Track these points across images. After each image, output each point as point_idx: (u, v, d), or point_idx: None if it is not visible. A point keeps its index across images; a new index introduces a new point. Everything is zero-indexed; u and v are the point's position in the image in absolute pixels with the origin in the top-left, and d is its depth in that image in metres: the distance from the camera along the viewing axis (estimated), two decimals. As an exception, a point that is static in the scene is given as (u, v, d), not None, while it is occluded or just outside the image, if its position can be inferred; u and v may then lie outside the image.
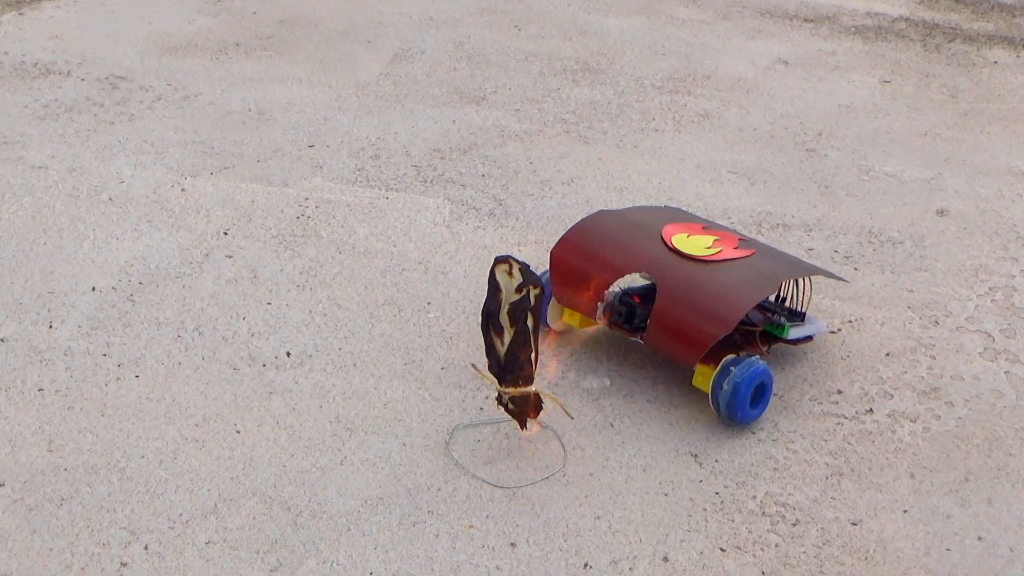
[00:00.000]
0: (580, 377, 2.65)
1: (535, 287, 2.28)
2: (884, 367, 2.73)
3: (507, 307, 2.28)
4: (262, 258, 3.05)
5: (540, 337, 2.38)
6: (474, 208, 3.34)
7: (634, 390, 2.61)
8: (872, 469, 2.42)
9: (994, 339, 2.84)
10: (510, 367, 2.31)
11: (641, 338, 2.60)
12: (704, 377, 2.53)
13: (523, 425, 2.39)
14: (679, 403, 2.57)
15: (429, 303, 2.90)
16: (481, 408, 2.53)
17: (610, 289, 2.67)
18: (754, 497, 2.33)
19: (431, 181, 3.49)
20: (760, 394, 2.51)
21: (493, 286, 2.30)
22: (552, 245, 2.77)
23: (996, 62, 4.65)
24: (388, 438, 2.43)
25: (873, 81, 4.42)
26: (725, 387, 2.46)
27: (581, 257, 2.70)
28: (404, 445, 2.42)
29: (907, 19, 5.14)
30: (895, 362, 2.75)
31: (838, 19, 5.11)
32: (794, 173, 3.64)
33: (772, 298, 2.75)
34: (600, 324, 2.68)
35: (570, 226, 2.81)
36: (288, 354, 2.68)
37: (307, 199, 3.34)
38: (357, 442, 2.42)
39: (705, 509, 2.30)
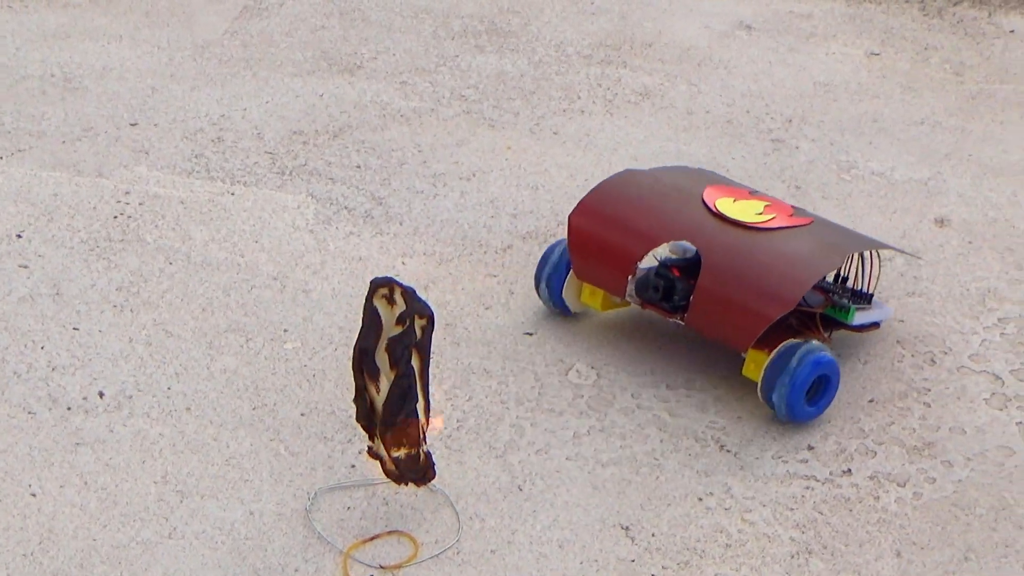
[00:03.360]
0: (481, 427, 2.69)
1: (421, 317, 2.32)
2: (866, 417, 2.81)
3: (385, 343, 2.32)
4: (67, 269, 3.05)
5: (432, 376, 2.42)
6: (346, 208, 3.38)
7: (550, 443, 2.66)
8: (849, 545, 2.49)
9: (1004, 382, 2.94)
10: (391, 419, 2.35)
11: (681, 319, 2.75)
12: (756, 364, 2.68)
13: (401, 482, 2.42)
14: (607, 460, 2.63)
15: (286, 330, 2.92)
16: (352, 465, 2.56)
17: (641, 262, 2.81)
18: (700, 581, 2.40)
19: (290, 173, 3.51)
20: (822, 389, 2.68)
21: (369, 316, 2.34)
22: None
23: (1012, 31, 4.78)
24: (231, 504, 2.45)
25: (858, 53, 4.52)
26: (781, 377, 2.62)
27: (606, 224, 2.84)
28: (251, 513, 2.44)
29: (902, -25, 5.27)
30: (880, 410, 2.83)
31: (815, -27, 5.23)
32: (757, 169, 3.72)
33: (830, 278, 2.91)
34: (631, 303, 2.83)
35: (590, 189, 2.95)
36: (101, 394, 2.69)
37: (128, 193, 3.35)
38: (190, 509, 2.43)
39: (638, 596, 2.36)
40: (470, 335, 2.96)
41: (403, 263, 3.17)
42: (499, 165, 3.64)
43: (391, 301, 2.32)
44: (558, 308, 2.98)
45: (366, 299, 2.32)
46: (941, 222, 3.52)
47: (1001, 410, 2.85)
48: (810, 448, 2.71)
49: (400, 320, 2.31)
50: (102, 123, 3.68)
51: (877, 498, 2.59)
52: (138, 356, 2.81)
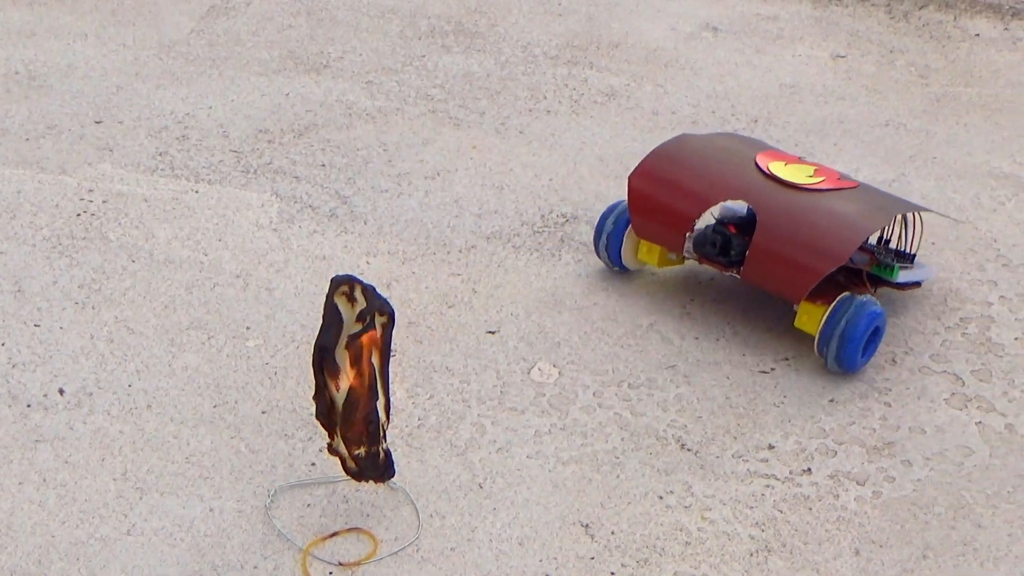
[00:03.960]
0: (443, 425, 2.70)
1: (382, 314, 2.33)
2: (827, 416, 2.82)
3: (345, 341, 2.32)
4: (29, 266, 3.04)
5: (393, 374, 2.42)
6: (310, 207, 3.38)
7: (511, 441, 2.67)
8: (808, 544, 2.50)
9: (964, 382, 2.96)
10: (349, 418, 2.34)
11: (737, 272, 2.94)
12: (810, 317, 2.86)
13: (360, 479, 2.43)
14: (568, 458, 2.64)
15: (248, 328, 2.92)
16: (313, 463, 2.56)
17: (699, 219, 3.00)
18: (659, 578, 2.40)
19: (255, 171, 3.51)
20: (871, 340, 2.86)
21: (329, 313, 2.34)
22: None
23: (978, 35, 4.81)
24: (190, 501, 2.45)
25: (824, 56, 4.55)
26: (840, 327, 2.79)
27: (664, 185, 3.04)
28: (211, 510, 2.44)
29: (869, -22, 5.29)
30: (840, 410, 2.85)
31: (783, -24, 5.25)
32: (721, 170, 3.73)
33: (874, 240, 3.09)
34: (687, 260, 3.06)
35: (647, 153, 3.14)
36: (61, 391, 2.69)
37: (91, 191, 3.35)
38: (149, 506, 2.43)
39: (597, 593, 2.36)
40: (433, 333, 2.96)
41: (367, 262, 3.17)
42: (464, 164, 3.65)
43: (351, 299, 2.32)
44: (616, 266, 3.17)
45: (327, 296, 2.32)
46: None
47: (961, 410, 2.87)
48: (771, 447, 2.72)
49: (360, 318, 2.32)
50: (66, 121, 3.68)
51: (837, 497, 2.60)
52: (99, 353, 2.80)
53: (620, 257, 3.12)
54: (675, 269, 3.22)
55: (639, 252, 3.11)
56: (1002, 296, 3.24)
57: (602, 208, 3.47)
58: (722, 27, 4.70)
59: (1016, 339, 3.08)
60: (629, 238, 3.10)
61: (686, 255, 3.02)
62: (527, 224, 3.37)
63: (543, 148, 3.77)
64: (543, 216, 3.41)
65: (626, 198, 3.08)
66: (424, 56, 4.25)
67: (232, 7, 4.45)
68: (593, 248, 3.19)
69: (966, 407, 2.88)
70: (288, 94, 3.93)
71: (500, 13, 4.62)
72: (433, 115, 3.89)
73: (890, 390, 2.91)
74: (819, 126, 4.02)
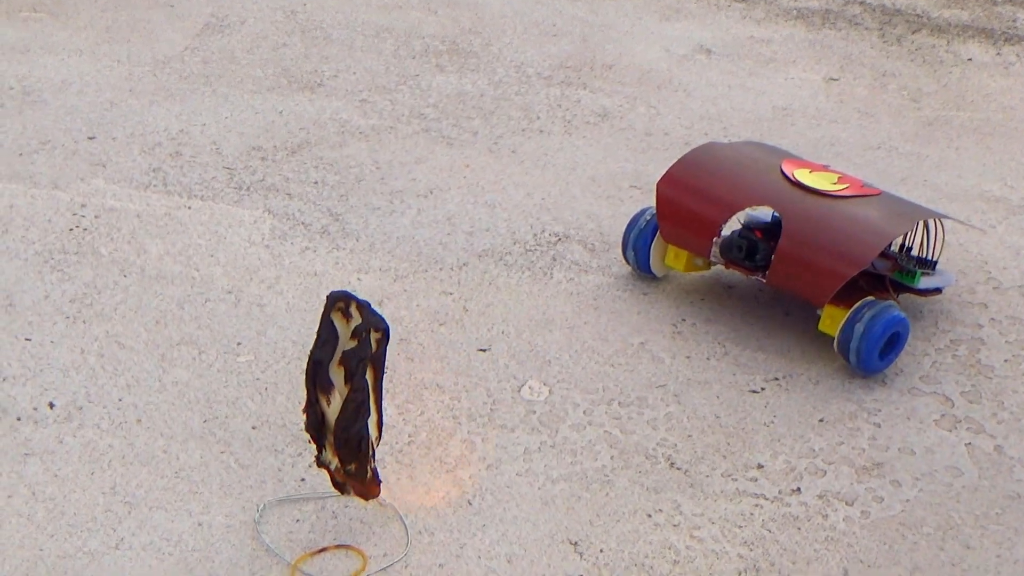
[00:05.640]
0: (433, 442, 2.70)
1: (376, 331, 2.33)
2: (816, 436, 2.83)
3: (340, 356, 2.32)
4: (21, 280, 3.04)
5: (385, 391, 2.42)
6: (302, 224, 3.38)
7: (501, 458, 2.67)
8: (796, 563, 2.50)
9: (954, 404, 2.96)
10: (343, 434, 2.34)
11: (763, 277, 3.01)
12: (833, 320, 2.93)
13: (345, 493, 2.43)
14: (558, 476, 2.64)
15: (239, 344, 2.92)
16: (302, 479, 2.56)
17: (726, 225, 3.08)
18: (648, 596, 2.40)
19: (248, 188, 3.52)
20: (892, 344, 2.92)
21: (325, 329, 2.34)
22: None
23: (970, 59, 4.83)
24: (179, 515, 2.45)
25: (817, 79, 4.56)
26: (858, 329, 2.86)
27: (691, 192, 3.12)
28: (200, 525, 2.44)
29: (861, 2, 5.31)
30: (830, 430, 2.85)
31: (776, -1, 5.27)
32: (713, 191, 3.74)
33: (896, 247, 3.16)
34: (714, 265, 3.13)
35: (674, 161, 3.22)
36: (51, 405, 2.69)
37: (84, 206, 3.35)
38: (138, 520, 2.43)
39: (585, 611, 2.36)
40: (424, 351, 2.96)
41: (358, 279, 3.17)
42: (457, 183, 3.65)
43: (347, 315, 2.32)
44: (643, 271, 3.24)
45: (323, 312, 2.32)
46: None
47: (950, 431, 2.87)
48: (760, 467, 2.72)
49: (355, 334, 2.32)
50: (60, 136, 3.68)
51: (825, 517, 2.61)
52: (89, 367, 2.80)
53: (648, 263, 3.20)
54: (666, 287, 3.23)
55: (666, 257, 3.19)
56: (992, 318, 3.24)
57: (595, 227, 3.48)
58: (716, 50, 4.71)
59: (1006, 361, 3.08)
60: (657, 244, 3.18)
61: (713, 260, 3.09)
62: (519, 243, 3.38)
63: (536, 167, 3.78)
64: (535, 235, 3.42)
65: (653, 204, 3.18)
66: (418, 75, 4.26)
67: (227, 25, 4.46)
68: (620, 256, 3.28)
69: (955, 428, 2.88)
70: (282, 112, 3.93)
71: (494, 33, 4.63)
72: (426, 134, 3.89)
73: (880, 411, 2.91)
74: (811, 148, 4.03)
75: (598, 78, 4.37)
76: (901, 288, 3.11)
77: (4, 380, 2.74)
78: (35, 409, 2.67)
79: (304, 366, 2.39)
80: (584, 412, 2.81)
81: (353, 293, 2.34)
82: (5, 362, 2.79)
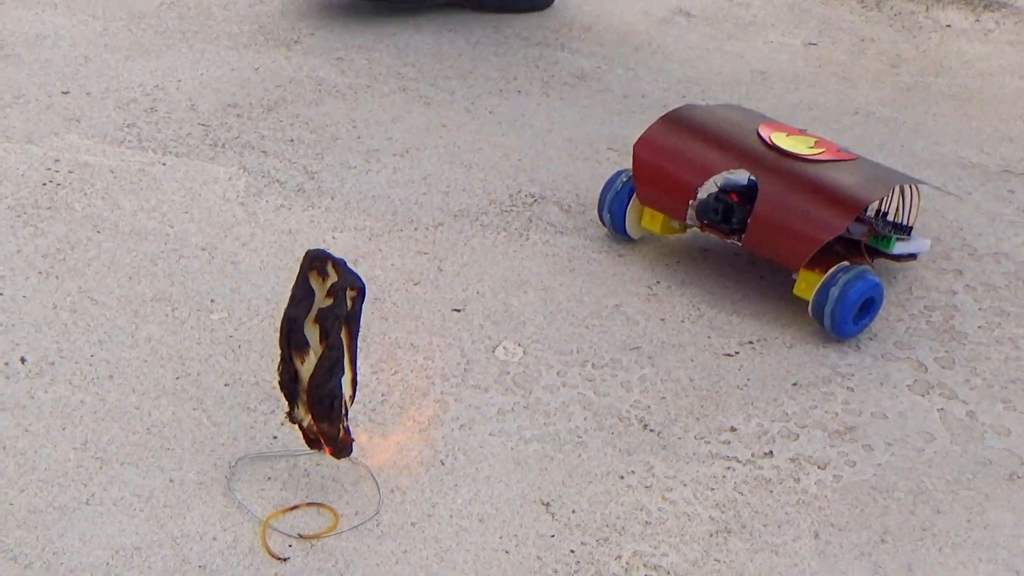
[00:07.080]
0: (406, 402, 2.70)
1: (352, 289, 2.33)
2: (789, 400, 2.84)
3: (315, 314, 2.32)
4: (-7, 235, 3.04)
5: (359, 350, 2.42)
6: (277, 181, 3.37)
7: (474, 418, 2.67)
8: (768, 526, 2.51)
9: (927, 369, 2.97)
10: (317, 392, 2.34)
11: (738, 240, 3.00)
12: (808, 284, 2.93)
13: (317, 448, 2.43)
14: (531, 436, 2.64)
15: (213, 301, 2.92)
16: (275, 437, 2.56)
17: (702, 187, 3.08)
18: (618, 558, 2.40)
19: (223, 145, 3.51)
20: (867, 309, 2.94)
21: (300, 286, 2.33)
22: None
23: (949, 26, 4.83)
24: (151, 471, 2.45)
25: (796, 43, 4.56)
26: (832, 293, 2.87)
27: (667, 154, 3.11)
28: (171, 481, 2.44)
29: (842, -33, 5.32)
30: (803, 394, 2.86)
31: (756, -37, 5.26)
32: (690, 154, 3.74)
33: (872, 213, 3.16)
34: (690, 228, 3.11)
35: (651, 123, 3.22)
36: (23, 360, 2.68)
37: (57, 161, 3.33)
38: (109, 476, 2.43)
39: (556, 571, 2.36)
40: (398, 310, 2.96)
41: (333, 237, 3.16)
42: (433, 143, 3.64)
43: (323, 273, 2.32)
44: (619, 233, 3.23)
45: (300, 270, 2.32)
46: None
47: (923, 396, 2.88)
48: (733, 429, 2.73)
49: (330, 292, 2.31)
50: (33, 91, 3.66)
51: (797, 480, 2.62)
52: (62, 323, 2.79)
53: (624, 225, 3.19)
54: (641, 250, 3.23)
55: (642, 220, 3.19)
56: (967, 285, 3.25)
57: (571, 189, 3.48)
58: (695, 12, 4.71)
59: (979, 328, 3.09)
60: (633, 206, 3.17)
61: (688, 223, 3.09)
62: (495, 203, 3.37)
63: (513, 128, 3.77)
64: (511, 196, 3.41)
65: (629, 167, 3.17)
66: (395, 34, 4.24)
67: (203, -19, 4.44)
68: (597, 217, 3.27)
69: (928, 394, 2.89)
70: (258, 69, 3.92)
71: (473, -7, 4.61)
72: (403, 93, 3.88)
73: (853, 375, 2.92)
74: (789, 112, 4.03)
75: (576, 39, 4.37)
76: (876, 253, 3.12)
77: (-25, 334, 2.73)
78: (6, 364, 2.67)
79: (278, 324, 2.39)
80: (558, 373, 2.82)
81: (329, 251, 2.34)
82: (-24, 316, 2.78)
